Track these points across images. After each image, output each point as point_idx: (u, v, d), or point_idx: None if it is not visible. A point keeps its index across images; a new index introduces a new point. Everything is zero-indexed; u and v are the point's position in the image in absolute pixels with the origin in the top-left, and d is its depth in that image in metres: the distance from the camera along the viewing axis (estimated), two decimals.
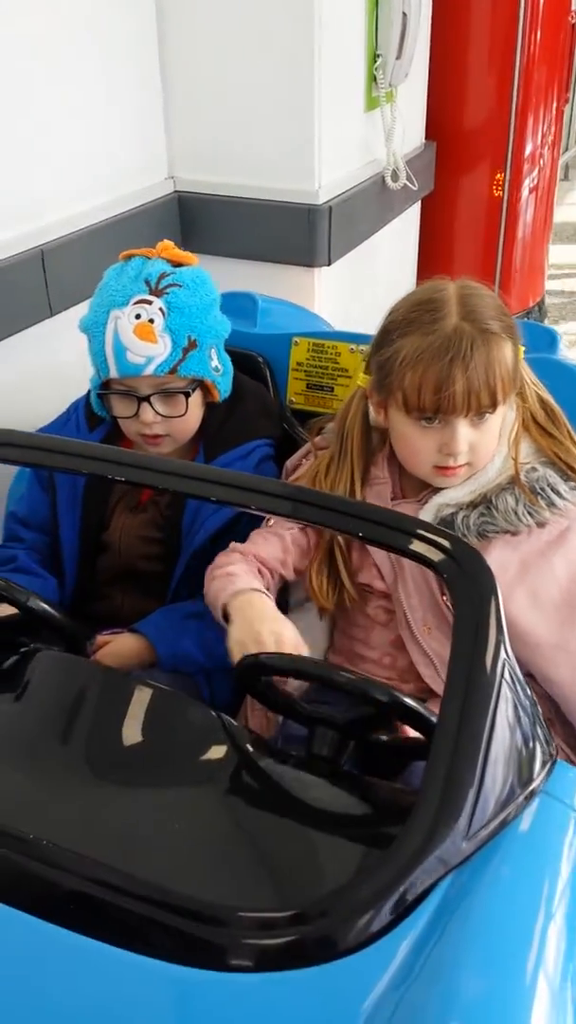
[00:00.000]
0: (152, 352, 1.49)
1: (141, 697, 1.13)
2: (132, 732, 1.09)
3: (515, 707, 0.93)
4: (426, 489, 1.44)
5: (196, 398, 1.57)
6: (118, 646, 1.52)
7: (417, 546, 1.01)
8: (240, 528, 1.56)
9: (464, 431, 1.34)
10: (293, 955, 0.79)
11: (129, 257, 1.58)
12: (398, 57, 2.53)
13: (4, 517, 1.78)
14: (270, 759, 1.07)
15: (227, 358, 1.65)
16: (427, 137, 3.12)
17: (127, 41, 2.20)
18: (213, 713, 1.10)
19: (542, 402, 1.46)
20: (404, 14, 2.47)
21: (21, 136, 1.93)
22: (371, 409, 1.46)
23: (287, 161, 2.32)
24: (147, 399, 1.52)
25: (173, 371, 1.51)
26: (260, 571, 1.44)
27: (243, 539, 1.56)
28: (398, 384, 1.35)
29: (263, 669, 1.14)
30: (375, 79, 2.52)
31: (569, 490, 1.40)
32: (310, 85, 2.22)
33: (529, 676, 1.32)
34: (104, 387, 1.57)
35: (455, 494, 1.40)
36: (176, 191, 2.42)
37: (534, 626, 1.33)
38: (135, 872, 0.85)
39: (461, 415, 1.33)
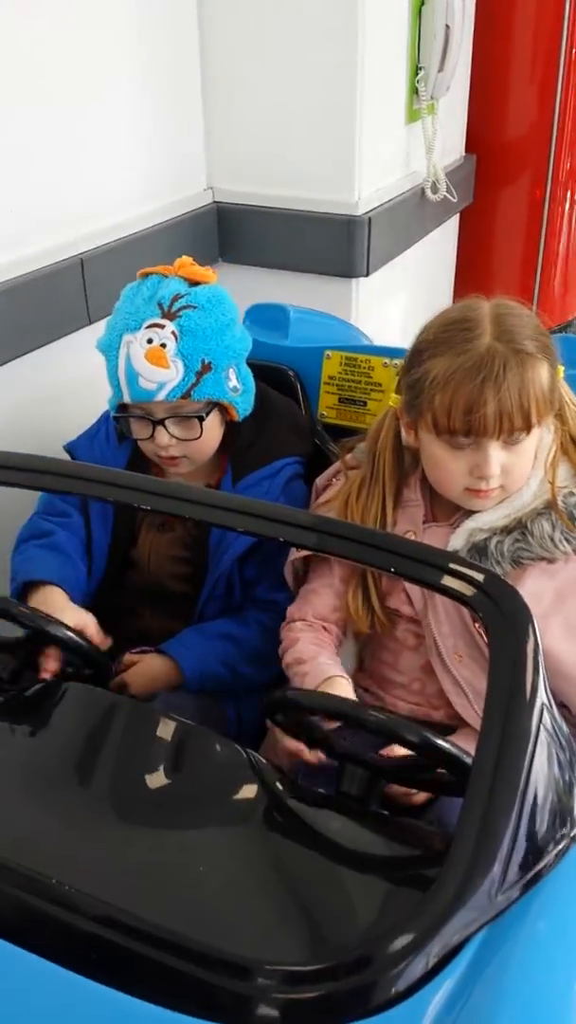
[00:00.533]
0: (164, 377, 1.46)
1: (166, 732, 1.11)
2: (156, 769, 1.06)
3: (553, 752, 0.91)
4: (459, 512, 1.42)
5: (213, 420, 1.55)
6: (145, 666, 1.52)
7: (450, 581, 0.98)
8: (267, 550, 1.55)
9: (496, 454, 1.31)
10: (323, 1010, 0.76)
11: (146, 275, 1.56)
12: (440, 70, 2.51)
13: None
14: (298, 799, 1.04)
15: (249, 376, 1.61)
16: (467, 149, 3.11)
17: (168, 52, 2.20)
18: (240, 749, 1.08)
19: None
20: (447, 26, 2.46)
21: (63, 147, 1.93)
22: (402, 430, 1.44)
23: (327, 172, 2.31)
24: (162, 422, 1.50)
25: (186, 396, 1.48)
26: (325, 630, 1.44)
27: (270, 561, 1.56)
28: (428, 405, 1.32)
29: (292, 706, 1.11)
30: (417, 91, 2.50)
31: None
32: (352, 97, 2.21)
33: (563, 707, 1.29)
34: (121, 409, 1.55)
35: (488, 518, 1.37)
36: (215, 201, 2.43)
37: (569, 656, 1.30)
38: (156, 917, 0.82)
39: (493, 437, 1.30)
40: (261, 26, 2.24)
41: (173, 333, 1.46)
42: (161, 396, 1.47)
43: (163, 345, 1.46)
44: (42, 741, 1.11)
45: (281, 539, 1.10)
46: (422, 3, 2.43)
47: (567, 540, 1.34)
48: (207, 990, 0.77)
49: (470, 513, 1.40)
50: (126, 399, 1.51)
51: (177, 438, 1.52)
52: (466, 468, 1.34)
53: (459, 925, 0.78)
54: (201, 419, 1.51)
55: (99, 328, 2.04)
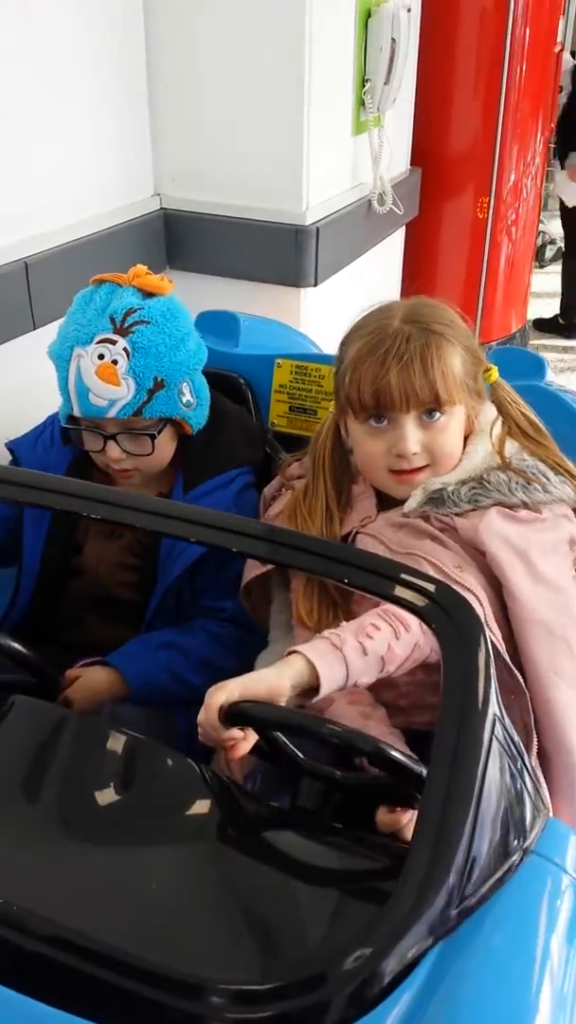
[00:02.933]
0: (115, 395, 1.43)
1: (116, 747, 1.07)
2: (106, 785, 1.03)
3: (505, 764, 0.90)
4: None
5: (165, 435, 1.53)
6: (89, 680, 1.47)
7: (401, 592, 0.97)
8: (217, 559, 1.52)
9: (412, 430, 1.34)
10: None
11: (100, 282, 1.52)
12: (386, 82, 2.53)
13: None
14: (252, 813, 1.02)
15: (204, 387, 1.59)
16: (412, 163, 3.14)
17: (115, 57, 2.18)
18: (192, 764, 1.05)
19: (526, 417, 1.46)
20: (393, 40, 2.48)
21: (8, 151, 1.90)
22: (342, 431, 1.46)
23: (275, 181, 2.31)
24: (113, 437, 1.48)
25: (138, 413, 1.46)
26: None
27: (221, 571, 1.54)
28: (345, 390, 1.37)
29: (247, 720, 1.08)
30: (363, 103, 2.52)
31: (560, 482, 1.39)
32: (300, 106, 2.22)
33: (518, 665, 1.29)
34: (72, 420, 1.52)
35: (443, 479, 1.38)
36: (162, 208, 2.41)
37: (534, 599, 1.30)
38: (105, 937, 0.79)
39: (403, 411, 1.33)
40: (209, 35, 2.23)
41: (125, 350, 1.43)
42: (112, 413, 1.44)
43: (114, 362, 1.42)
44: None
45: (233, 549, 1.08)
46: (368, 16, 2.45)
47: (524, 491, 1.36)
48: (158, 1010, 0.75)
49: None
50: (76, 413, 1.48)
51: (128, 453, 1.49)
52: (385, 447, 1.36)
53: (415, 940, 0.77)
54: (153, 436, 1.49)
55: (43, 333, 2.02)
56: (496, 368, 1.44)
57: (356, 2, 2.38)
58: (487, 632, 0.94)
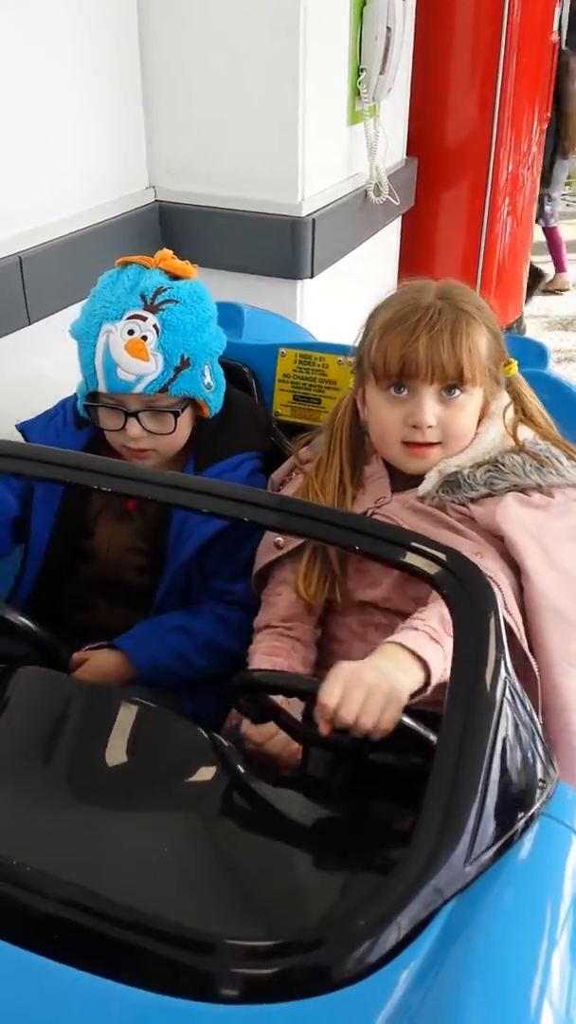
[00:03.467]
0: (143, 370, 1.45)
1: (127, 715, 1.09)
2: (118, 752, 1.04)
3: (516, 726, 0.91)
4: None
5: (185, 416, 1.54)
6: (96, 663, 1.47)
7: (413, 559, 0.98)
8: (228, 540, 1.53)
9: (431, 403, 1.35)
10: (285, 986, 0.75)
11: (125, 264, 1.53)
12: (382, 72, 2.52)
13: None
14: (262, 780, 1.03)
15: (220, 373, 1.61)
16: (408, 153, 3.13)
17: (108, 49, 2.17)
18: (202, 731, 1.06)
19: (539, 410, 1.47)
20: (388, 28, 2.47)
21: (1, 145, 1.89)
22: (356, 403, 1.46)
23: (270, 173, 2.30)
24: (135, 415, 1.48)
25: (164, 390, 1.47)
26: (289, 631, 1.41)
27: (231, 553, 1.54)
28: (369, 357, 1.38)
29: (257, 687, 1.09)
30: (359, 93, 2.51)
31: (572, 466, 1.40)
32: (294, 97, 2.20)
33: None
34: (91, 398, 1.52)
35: (456, 460, 1.39)
36: (157, 200, 2.40)
37: (551, 587, 1.30)
38: (117, 897, 0.81)
39: (426, 382, 1.34)
40: (202, 26, 2.22)
41: (155, 326, 1.45)
42: (139, 388, 1.46)
43: (144, 338, 1.44)
44: (0, 726, 1.08)
45: (245, 519, 1.08)
46: (364, 4, 2.43)
47: (538, 473, 1.37)
48: (167, 966, 0.76)
49: None
50: (101, 388, 1.48)
51: (149, 431, 1.50)
52: (402, 416, 1.37)
53: (426, 900, 0.78)
54: (176, 414, 1.50)
55: (38, 328, 2.00)
56: (516, 362, 1.45)
57: None
58: (498, 599, 0.95)
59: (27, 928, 0.79)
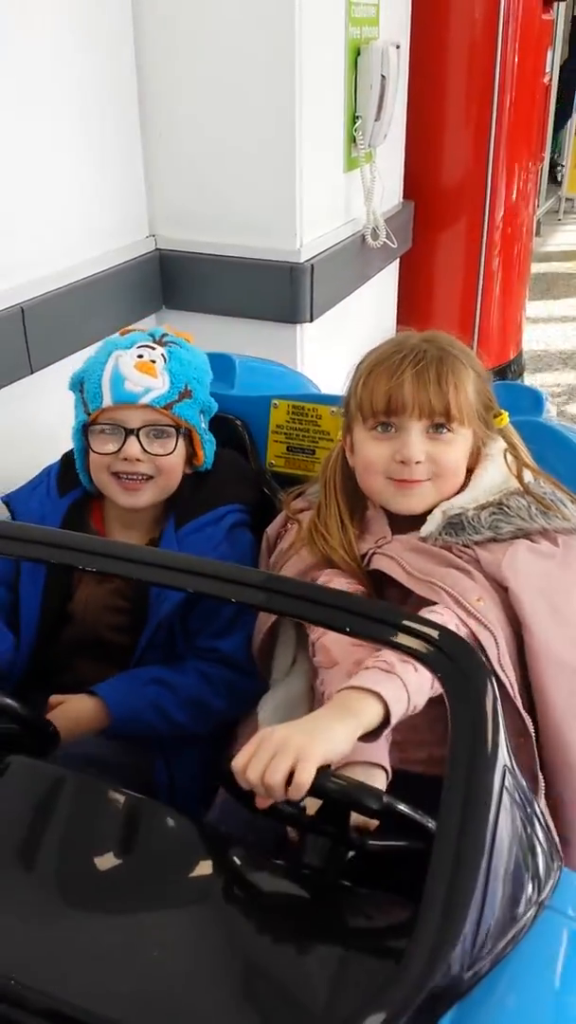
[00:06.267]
0: (151, 384, 1.50)
1: (115, 807, 1.05)
2: (107, 848, 1.00)
3: (517, 814, 0.88)
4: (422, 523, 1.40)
5: (181, 450, 1.55)
6: (71, 707, 1.45)
7: (404, 639, 0.95)
8: (208, 600, 1.50)
9: (418, 438, 1.34)
10: None
11: (127, 333, 1.61)
12: (377, 119, 2.55)
13: None
14: (258, 873, 0.99)
15: (211, 436, 1.64)
16: (405, 196, 3.16)
17: (108, 100, 2.20)
18: (192, 823, 1.03)
19: (535, 468, 1.46)
20: (383, 76, 2.50)
21: (2, 196, 1.91)
22: (345, 451, 1.46)
23: (269, 220, 2.32)
24: (136, 433, 1.50)
25: (168, 407, 1.51)
26: None
27: (214, 612, 1.52)
28: (356, 399, 1.38)
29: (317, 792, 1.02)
30: (355, 140, 2.54)
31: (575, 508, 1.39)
32: (292, 145, 2.23)
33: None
34: (88, 427, 1.53)
35: (458, 501, 1.38)
36: (157, 249, 2.42)
37: (556, 640, 1.28)
38: (104, 1008, 0.78)
39: (413, 417, 1.33)
40: (201, 76, 2.26)
41: (163, 355, 1.54)
42: (146, 400, 1.49)
43: (152, 361, 1.52)
44: None
45: (232, 600, 1.07)
46: (358, 53, 2.47)
47: (543, 516, 1.36)
48: None
49: None
50: (107, 402, 1.50)
51: (148, 452, 1.51)
52: (389, 452, 1.36)
53: (426, 1008, 0.75)
54: (177, 431, 1.53)
55: (40, 378, 2.02)
56: (507, 414, 1.44)
57: (345, 40, 2.40)
58: (493, 679, 0.92)
59: None
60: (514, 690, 1.24)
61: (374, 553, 1.40)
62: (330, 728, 1.02)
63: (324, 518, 1.46)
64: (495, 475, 1.40)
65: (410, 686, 1.09)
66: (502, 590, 1.32)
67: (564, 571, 1.34)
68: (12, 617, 1.60)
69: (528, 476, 1.42)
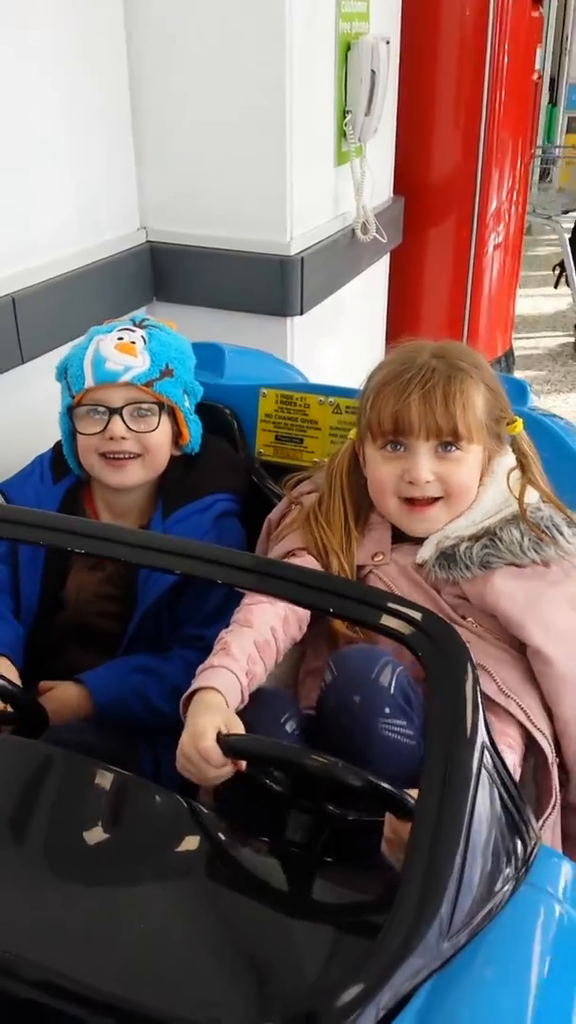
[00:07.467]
0: (131, 363, 1.53)
1: (103, 785, 1.07)
2: (95, 824, 1.02)
3: (496, 791, 0.90)
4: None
5: (166, 428, 1.57)
6: (57, 693, 1.48)
7: (388, 620, 0.97)
8: (197, 588, 1.53)
9: (425, 458, 1.35)
10: None
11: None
12: (367, 113, 2.57)
13: None
14: (242, 848, 1.01)
15: (196, 418, 1.65)
16: (395, 192, 3.17)
17: (99, 93, 2.21)
18: (180, 799, 1.05)
19: (543, 477, 1.46)
20: (373, 71, 2.52)
21: None
22: (360, 460, 1.47)
23: (259, 213, 2.33)
24: (119, 411, 1.52)
25: (149, 385, 1.53)
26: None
27: (201, 600, 1.54)
28: (365, 415, 1.40)
29: (231, 752, 1.08)
30: (345, 134, 2.55)
31: (572, 534, 1.38)
32: (282, 139, 2.24)
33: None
34: (75, 406, 1.55)
35: (454, 526, 1.38)
36: (148, 241, 2.43)
37: (555, 654, 1.30)
38: (94, 979, 0.79)
39: (420, 438, 1.35)
40: (191, 70, 2.26)
41: (142, 337, 1.56)
42: (126, 378, 1.52)
43: (132, 343, 1.55)
44: None
45: (219, 581, 1.08)
46: (348, 48, 2.48)
47: (535, 549, 1.35)
48: None
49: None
50: (89, 383, 1.52)
51: (132, 430, 1.53)
52: (398, 472, 1.37)
53: (407, 975, 0.77)
54: (161, 407, 1.55)
55: (31, 368, 2.03)
56: (521, 421, 1.44)
57: (335, 35, 2.42)
58: (472, 662, 0.94)
59: (3, 1013, 0.78)
60: (524, 714, 1.27)
61: (370, 571, 1.42)
62: (195, 724, 1.15)
63: (326, 510, 1.47)
64: (496, 496, 1.40)
65: (235, 668, 1.23)
66: (494, 618, 1.35)
67: (553, 588, 1.35)
68: (15, 602, 1.62)
69: (532, 496, 1.41)
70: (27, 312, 2.00)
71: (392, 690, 1.20)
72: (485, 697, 1.16)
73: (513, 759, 1.23)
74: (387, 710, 1.19)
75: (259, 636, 1.29)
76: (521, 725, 1.27)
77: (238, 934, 0.91)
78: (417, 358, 1.38)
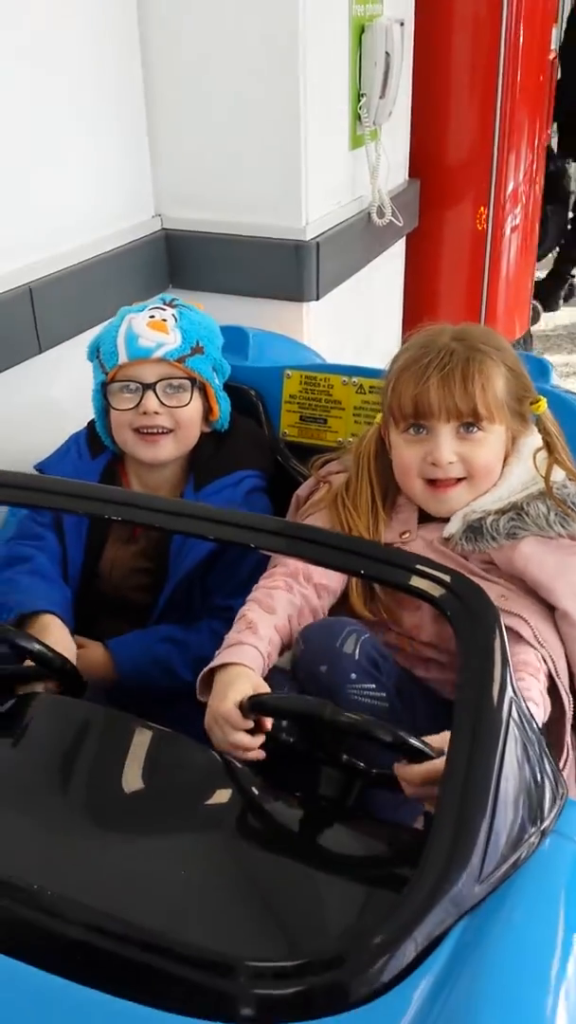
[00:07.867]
0: (163, 339, 1.56)
1: (142, 740, 1.11)
2: (134, 776, 1.07)
3: (524, 745, 0.92)
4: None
5: (197, 404, 1.60)
6: (84, 655, 1.52)
7: (418, 582, 0.99)
8: (228, 558, 1.56)
9: (448, 440, 1.37)
10: (304, 1006, 0.76)
11: None
12: (382, 96, 2.56)
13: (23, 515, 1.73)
14: (276, 802, 1.05)
15: (226, 396, 1.68)
16: (411, 174, 3.16)
17: (112, 80, 2.22)
18: (216, 755, 1.08)
19: (570, 457, 1.47)
20: (387, 54, 2.50)
21: (9, 177, 1.93)
22: (386, 443, 1.48)
23: (274, 198, 2.33)
24: (152, 387, 1.54)
25: (181, 360, 1.56)
26: (303, 595, 1.40)
27: (232, 570, 1.57)
28: (387, 399, 1.42)
29: (263, 709, 1.12)
30: (359, 118, 2.54)
31: None
32: (296, 123, 2.24)
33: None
34: (109, 383, 1.58)
35: (481, 503, 1.40)
36: (163, 228, 2.43)
37: None
38: (139, 920, 0.83)
39: (441, 420, 1.36)
40: (205, 56, 2.27)
41: (173, 316, 1.61)
42: (159, 354, 1.56)
43: (164, 320, 1.59)
44: (17, 752, 1.10)
45: (251, 545, 1.10)
46: (362, 31, 2.47)
47: (562, 524, 1.37)
48: (189, 987, 0.78)
49: None
50: (122, 359, 1.56)
51: (165, 405, 1.56)
52: (421, 454, 1.39)
53: (439, 917, 0.79)
54: (193, 383, 1.58)
55: (49, 356, 2.04)
56: (545, 400, 1.45)
57: (349, 18, 2.40)
58: (500, 621, 0.96)
59: (50, 952, 0.81)
60: (552, 665, 1.28)
61: (397, 548, 1.43)
62: (222, 692, 1.20)
63: (353, 494, 1.49)
64: (522, 474, 1.42)
65: (260, 637, 1.26)
66: (522, 582, 1.36)
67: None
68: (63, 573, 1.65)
69: (558, 475, 1.42)
70: (44, 302, 2.02)
71: (357, 656, 1.25)
72: (517, 642, 1.23)
73: (539, 714, 1.25)
74: (353, 676, 1.25)
75: (279, 622, 1.34)
76: (548, 677, 1.28)
77: (273, 883, 0.94)
78: (437, 341, 1.39)
